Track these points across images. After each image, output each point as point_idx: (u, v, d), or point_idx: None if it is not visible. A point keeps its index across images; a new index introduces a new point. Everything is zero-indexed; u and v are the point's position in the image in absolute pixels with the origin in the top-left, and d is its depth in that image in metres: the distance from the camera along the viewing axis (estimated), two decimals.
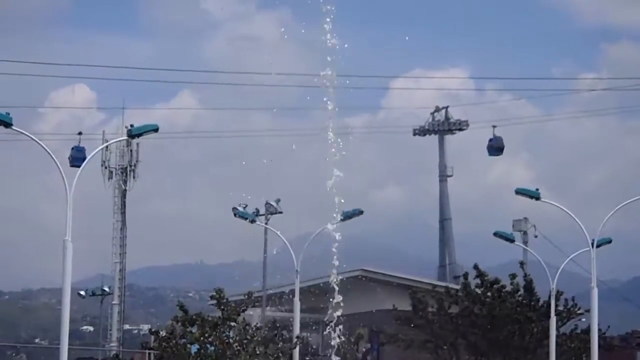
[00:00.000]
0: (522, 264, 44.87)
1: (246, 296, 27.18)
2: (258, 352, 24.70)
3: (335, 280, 22.69)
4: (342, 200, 23.54)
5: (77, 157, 38.22)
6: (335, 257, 22.79)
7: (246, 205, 42.28)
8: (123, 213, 75.57)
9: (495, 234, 38.34)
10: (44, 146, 22.86)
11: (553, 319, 37.80)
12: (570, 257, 38.64)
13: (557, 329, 39.67)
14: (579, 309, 41.82)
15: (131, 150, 74.85)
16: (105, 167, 74.79)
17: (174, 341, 25.19)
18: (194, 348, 25.14)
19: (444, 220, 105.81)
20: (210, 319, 25.55)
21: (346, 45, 22.90)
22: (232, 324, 25.20)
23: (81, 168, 22.92)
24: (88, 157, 23.81)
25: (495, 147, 67.74)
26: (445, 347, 42.15)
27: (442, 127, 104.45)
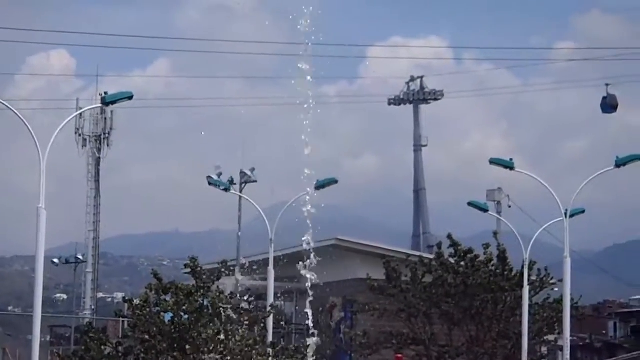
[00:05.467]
0: (495, 234, 44.91)
1: (220, 265, 27.14)
2: (230, 319, 24.70)
3: (309, 248, 22.68)
4: (315, 171, 23.52)
5: None
6: (310, 226, 22.76)
7: (221, 174, 42.15)
8: (97, 181, 75.52)
9: (469, 204, 38.36)
10: (17, 112, 22.69)
11: (526, 289, 37.95)
12: (544, 227, 38.75)
13: (530, 298, 39.81)
14: (551, 279, 41.99)
15: (105, 118, 74.67)
16: (79, 135, 74.60)
17: (147, 309, 25.12)
18: (167, 316, 25.10)
19: (418, 190, 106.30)
20: (184, 287, 25.50)
21: (319, 12, 22.79)
22: (207, 292, 25.17)
23: (54, 135, 22.70)
24: (62, 125, 23.54)
25: (610, 105, 66.90)
26: (418, 315, 42.26)
27: (417, 96, 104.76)
